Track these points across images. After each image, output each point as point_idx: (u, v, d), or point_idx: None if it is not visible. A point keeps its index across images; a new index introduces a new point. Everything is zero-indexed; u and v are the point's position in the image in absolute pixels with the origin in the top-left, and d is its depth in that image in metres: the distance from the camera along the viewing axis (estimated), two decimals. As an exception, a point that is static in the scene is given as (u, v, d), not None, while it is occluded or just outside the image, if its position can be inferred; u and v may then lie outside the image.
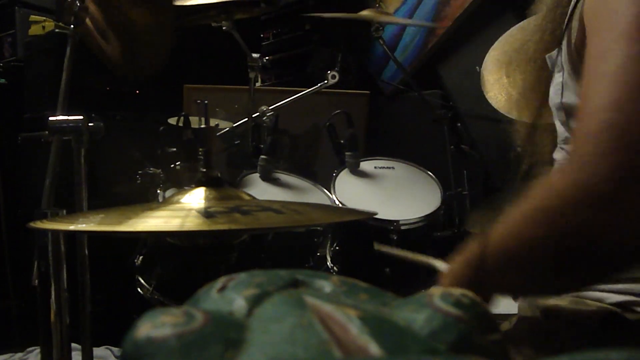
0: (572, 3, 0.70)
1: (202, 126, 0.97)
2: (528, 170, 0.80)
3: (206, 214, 0.70)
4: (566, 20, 0.72)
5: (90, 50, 1.20)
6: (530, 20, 0.88)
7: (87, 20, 1.11)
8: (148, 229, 0.72)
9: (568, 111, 0.72)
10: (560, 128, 0.75)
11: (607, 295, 0.66)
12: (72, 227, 0.78)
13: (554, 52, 0.76)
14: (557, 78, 0.76)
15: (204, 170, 0.88)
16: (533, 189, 0.53)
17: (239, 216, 0.70)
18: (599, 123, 0.49)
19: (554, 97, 0.76)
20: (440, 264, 0.87)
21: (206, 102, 1.06)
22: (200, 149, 0.92)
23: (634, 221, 0.47)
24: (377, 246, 1.14)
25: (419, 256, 0.96)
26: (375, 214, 0.95)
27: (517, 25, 1.54)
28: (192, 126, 1.52)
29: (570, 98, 0.71)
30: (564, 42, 0.73)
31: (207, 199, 0.82)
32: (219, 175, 0.88)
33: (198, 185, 0.86)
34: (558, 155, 0.77)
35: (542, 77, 0.82)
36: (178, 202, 0.83)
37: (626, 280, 0.65)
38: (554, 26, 0.79)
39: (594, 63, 0.54)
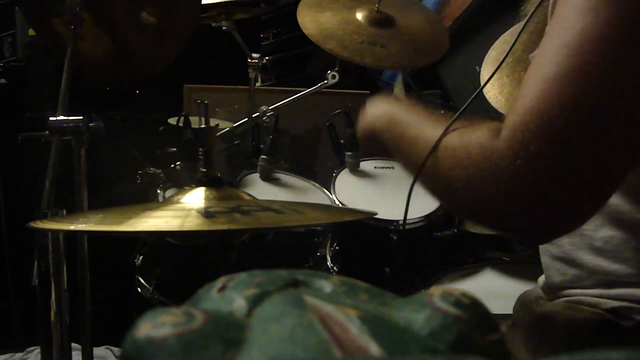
0: (551, 4, 0.70)
1: (202, 126, 0.97)
2: None
3: (206, 214, 0.70)
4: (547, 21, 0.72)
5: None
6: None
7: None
8: (147, 229, 0.72)
9: None
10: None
11: (602, 300, 0.65)
12: (72, 227, 0.78)
13: (536, 52, 0.76)
14: None
15: (204, 170, 0.88)
16: (474, 127, 0.59)
17: (239, 216, 0.70)
18: (511, 124, 0.52)
19: None
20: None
21: (206, 102, 1.06)
22: (201, 149, 0.92)
23: (512, 217, 0.54)
24: None
25: None
26: (375, 213, 0.95)
27: (516, 25, 1.54)
28: (192, 126, 1.52)
29: None
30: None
31: (207, 199, 0.82)
32: (219, 175, 0.88)
33: (198, 185, 0.86)
34: None
35: None
36: (178, 202, 0.83)
37: (620, 285, 0.64)
38: (540, 27, 0.79)
39: (533, 64, 0.55)
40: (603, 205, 0.55)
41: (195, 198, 0.83)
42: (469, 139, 0.58)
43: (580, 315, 0.66)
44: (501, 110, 1.47)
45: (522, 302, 0.79)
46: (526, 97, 0.52)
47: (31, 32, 2.45)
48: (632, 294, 0.63)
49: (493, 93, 1.54)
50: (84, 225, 0.79)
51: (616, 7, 0.50)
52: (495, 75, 1.56)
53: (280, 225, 0.89)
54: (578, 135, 0.49)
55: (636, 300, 0.63)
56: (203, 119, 1.10)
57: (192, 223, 0.68)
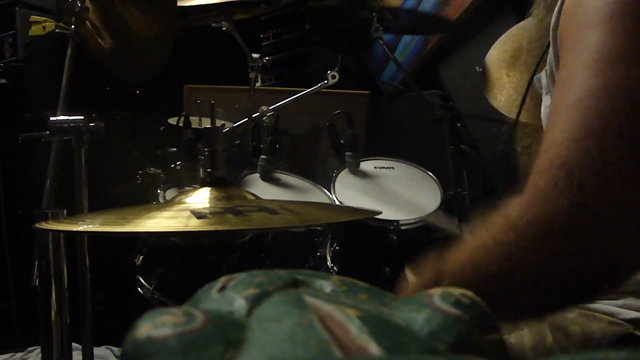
0: (553, 22, 0.67)
1: (208, 126, 0.97)
2: (525, 169, 0.80)
3: (197, 214, 0.69)
4: (551, 41, 0.70)
5: (87, 49, 1.20)
6: (528, 21, 0.88)
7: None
8: (139, 230, 0.72)
9: None
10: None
11: (621, 310, 0.63)
12: (74, 228, 0.78)
13: (542, 74, 0.74)
14: (546, 100, 0.74)
15: (209, 170, 0.88)
16: (491, 218, 0.53)
17: (231, 217, 0.70)
18: (554, 158, 0.48)
19: (544, 119, 0.74)
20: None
21: (213, 102, 1.05)
22: (206, 149, 0.91)
23: (587, 257, 0.47)
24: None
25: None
26: (378, 212, 0.95)
27: (516, 25, 1.54)
28: (192, 126, 1.52)
29: None
30: (547, 64, 0.71)
31: (210, 199, 0.82)
32: (224, 175, 0.88)
33: (203, 185, 0.86)
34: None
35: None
36: (181, 202, 0.83)
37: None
38: (540, 33, 0.78)
39: (557, 92, 0.52)
40: None
41: (199, 198, 0.83)
42: (491, 231, 0.52)
43: (597, 325, 0.64)
44: (501, 110, 1.47)
45: None
46: (548, 137, 0.49)
47: (31, 32, 2.45)
48: None
49: (493, 93, 1.54)
50: (82, 227, 0.79)
51: (630, 18, 0.48)
52: (495, 76, 1.57)
53: (271, 227, 0.89)
54: (621, 154, 0.46)
55: None
56: (207, 119, 1.10)
57: (183, 223, 0.68)
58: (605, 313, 0.64)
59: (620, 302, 0.63)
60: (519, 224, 0.49)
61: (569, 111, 0.49)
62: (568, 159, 0.47)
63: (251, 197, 0.89)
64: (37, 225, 0.77)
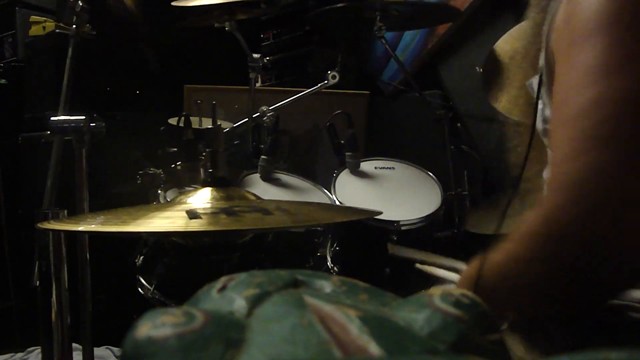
0: (545, 36, 0.69)
1: (209, 127, 0.97)
2: (523, 171, 0.81)
3: (191, 215, 0.69)
4: (542, 49, 0.72)
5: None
6: (524, 23, 0.89)
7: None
8: (138, 230, 0.72)
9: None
10: (548, 150, 0.77)
11: None
12: (74, 228, 0.78)
13: (534, 79, 0.77)
14: (539, 105, 0.77)
15: (210, 170, 0.88)
16: (528, 214, 0.56)
17: (224, 217, 0.70)
18: (561, 175, 0.51)
19: (538, 123, 0.77)
20: (461, 266, 0.89)
21: (214, 102, 1.05)
22: (208, 149, 0.92)
23: (605, 261, 0.50)
24: (392, 249, 1.12)
25: (440, 259, 0.97)
26: (379, 212, 0.95)
27: (517, 26, 1.55)
28: (193, 126, 1.52)
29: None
30: (538, 70, 0.74)
31: (210, 199, 0.83)
32: (225, 175, 0.88)
33: (204, 185, 0.86)
34: (546, 173, 0.78)
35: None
36: (182, 202, 0.84)
37: None
38: (535, 36, 0.80)
39: (555, 110, 0.55)
40: None
41: (200, 198, 0.83)
42: (527, 225, 0.55)
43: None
44: (501, 111, 1.47)
45: None
46: (554, 153, 0.52)
47: (32, 32, 2.45)
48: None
49: (493, 93, 1.54)
50: (81, 228, 0.79)
51: (614, 28, 0.50)
52: (497, 79, 1.57)
53: (263, 228, 0.89)
54: (624, 159, 0.48)
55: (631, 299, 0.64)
56: (208, 120, 1.10)
57: (182, 224, 0.68)
58: None
59: None
60: (539, 234, 0.52)
61: (569, 125, 0.51)
62: (577, 173, 0.50)
63: (251, 197, 0.89)
64: (39, 225, 0.77)
